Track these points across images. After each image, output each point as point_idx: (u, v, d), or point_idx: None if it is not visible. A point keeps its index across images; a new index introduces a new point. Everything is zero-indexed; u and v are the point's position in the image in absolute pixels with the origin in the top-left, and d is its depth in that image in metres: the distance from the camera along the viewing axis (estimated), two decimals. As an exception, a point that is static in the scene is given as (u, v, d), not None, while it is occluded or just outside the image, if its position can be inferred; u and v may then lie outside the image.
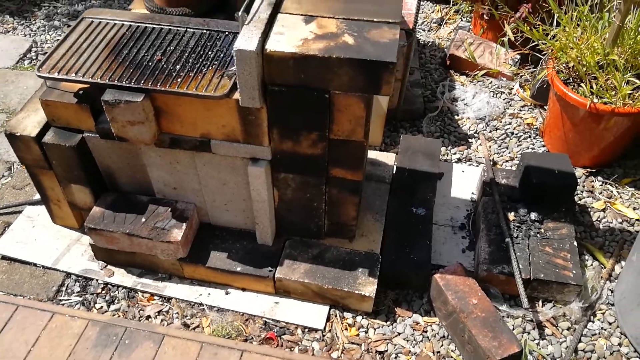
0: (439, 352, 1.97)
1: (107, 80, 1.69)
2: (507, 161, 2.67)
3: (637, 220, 2.39)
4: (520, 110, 2.93)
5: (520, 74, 3.01)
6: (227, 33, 1.85)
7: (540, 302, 2.08)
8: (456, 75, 3.15)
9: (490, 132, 2.82)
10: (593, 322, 2.05)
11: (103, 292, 2.14)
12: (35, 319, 2.02)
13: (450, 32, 3.49)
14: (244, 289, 2.12)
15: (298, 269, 2.04)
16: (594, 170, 2.59)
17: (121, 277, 2.17)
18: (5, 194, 2.49)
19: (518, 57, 3.01)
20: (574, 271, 2.02)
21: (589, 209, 2.44)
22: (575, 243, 2.10)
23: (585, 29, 2.48)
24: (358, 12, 1.66)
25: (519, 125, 2.84)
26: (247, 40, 1.52)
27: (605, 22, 2.42)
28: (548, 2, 2.52)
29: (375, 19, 1.63)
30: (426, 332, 2.03)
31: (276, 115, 1.70)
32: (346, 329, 2.03)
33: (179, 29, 1.87)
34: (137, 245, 2.04)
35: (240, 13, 1.57)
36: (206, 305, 2.09)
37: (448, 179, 2.56)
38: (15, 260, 2.23)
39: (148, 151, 1.93)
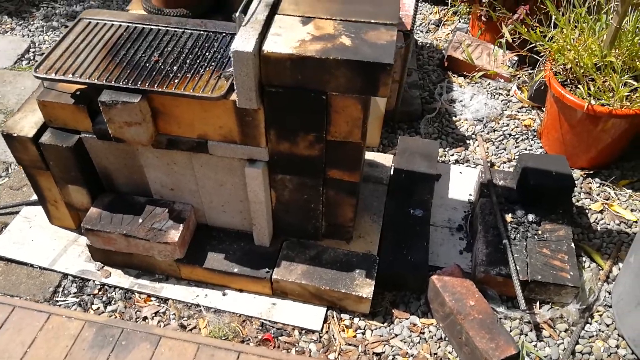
0: (436, 353, 1.97)
1: (104, 81, 1.69)
2: (504, 163, 2.67)
3: (634, 221, 2.39)
4: (518, 112, 2.93)
5: (518, 76, 3.01)
6: (224, 34, 1.85)
7: (537, 303, 2.08)
8: (454, 76, 3.15)
9: (487, 133, 2.82)
10: (590, 323, 2.05)
11: (100, 293, 2.14)
12: (31, 320, 2.02)
13: (448, 33, 3.49)
14: (241, 290, 2.12)
15: (295, 270, 2.04)
16: (591, 172, 2.59)
17: (118, 278, 2.16)
18: (3, 195, 2.49)
19: (516, 58, 3.01)
20: (571, 273, 2.02)
21: (587, 211, 2.44)
22: (572, 245, 2.10)
23: (582, 31, 2.49)
24: (355, 13, 1.65)
25: (517, 127, 2.84)
26: (244, 41, 1.52)
27: (603, 24, 2.43)
28: (546, 4, 2.53)
29: (372, 21, 1.63)
30: (423, 333, 2.02)
31: (273, 116, 1.70)
32: (343, 330, 2.03)
33: (176, 30, 1.87)
34: (134, 246, 2.04)
35: (237, 14, 1.57)
36: (203, 306, 2.09)
37: (445, 181, 2.56)
38: (12, 261, 2.23)
39: (145, 152, 1.93)
